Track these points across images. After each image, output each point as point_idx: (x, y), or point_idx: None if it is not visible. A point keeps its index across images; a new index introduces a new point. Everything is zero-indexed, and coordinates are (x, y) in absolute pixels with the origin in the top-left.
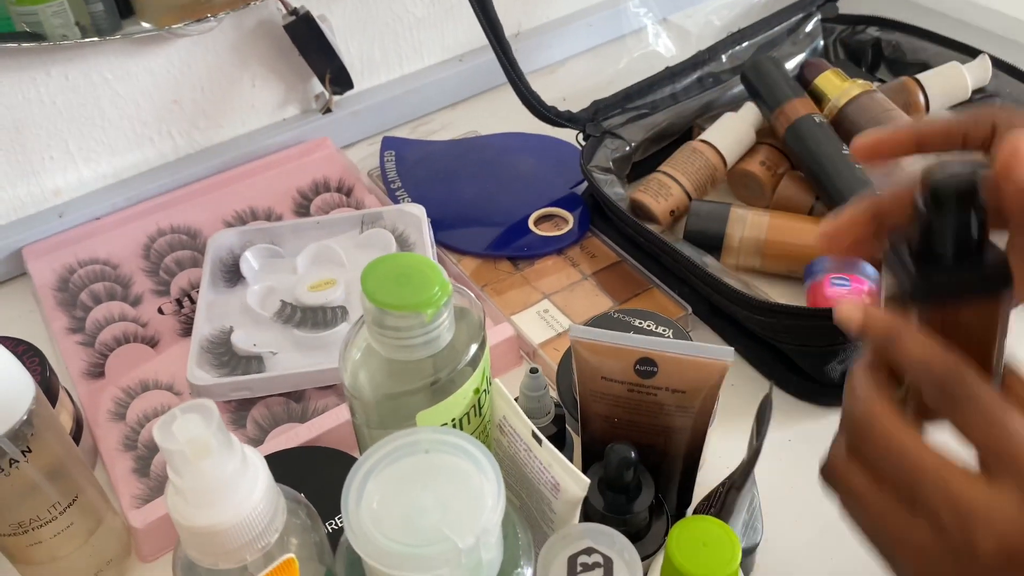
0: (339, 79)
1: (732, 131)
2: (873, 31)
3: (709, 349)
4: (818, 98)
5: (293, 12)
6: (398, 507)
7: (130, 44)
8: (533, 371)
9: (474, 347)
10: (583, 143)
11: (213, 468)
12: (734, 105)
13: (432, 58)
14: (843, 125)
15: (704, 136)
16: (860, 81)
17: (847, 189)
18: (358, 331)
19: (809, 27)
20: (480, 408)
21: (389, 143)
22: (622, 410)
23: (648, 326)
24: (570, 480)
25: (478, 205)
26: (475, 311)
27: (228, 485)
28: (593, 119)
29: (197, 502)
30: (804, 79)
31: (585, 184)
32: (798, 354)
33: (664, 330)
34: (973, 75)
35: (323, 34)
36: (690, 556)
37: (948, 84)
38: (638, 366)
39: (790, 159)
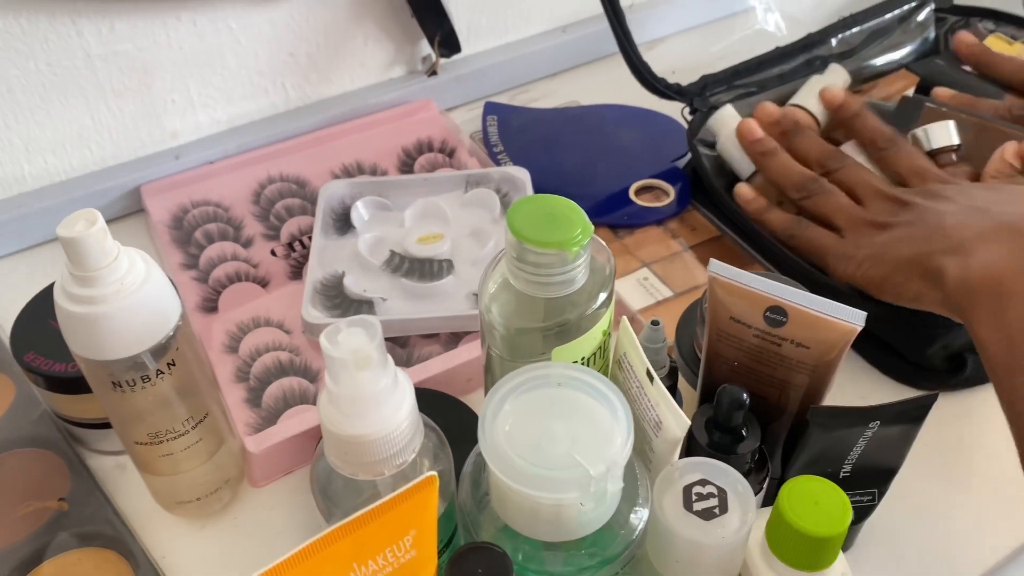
0: (448, 42)
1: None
2: (987, 24)
3: (841, 309)
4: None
5: None
6: (530, 432)
7: None
8: (654, 323)
9: (603, 294)
10: (690, 117)
11: (369, 380)
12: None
13: (537, 27)
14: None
15: (795, 100)
16: None
17: None
18: (495, 267)
19: (921, 16)
20: (604, 350)
21: (492, 108)
22: (745, 355)
23: None
24: (672, 419)
25: (579, 173)
26: (606, 260)
27: (379, 399)
28: (701, 94)
29: (349, 411)
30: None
31: (687, 158)
32: (900, 337)
33: (798, 290)
34: None
35: None
36: (801, 512)
37: None
38: (768, 313)
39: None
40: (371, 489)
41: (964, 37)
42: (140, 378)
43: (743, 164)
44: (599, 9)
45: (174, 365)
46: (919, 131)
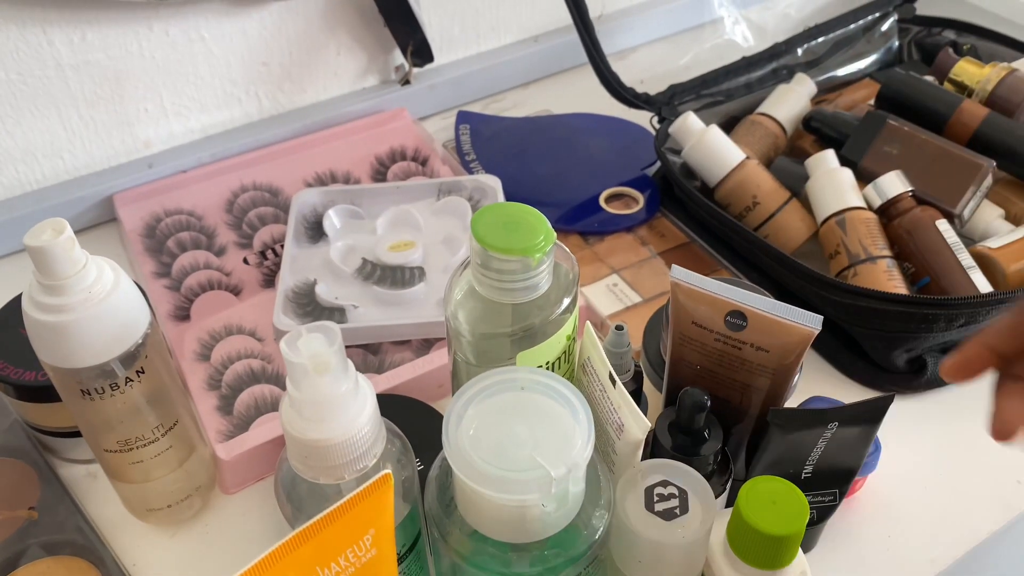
0: (420, 52)
1: (789, 101)
2: (949, 34)
3: (799, 313)
4: (961, 87)
5: None
6: (494, 435)
7: (229, 5)
8: (619, 328)
9: (567, 299)
10: (658, 126)
11: (329, 385)
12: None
13: (508, 37)
14: (997, 106)
15: (762, 109)
16: (996, 64)
17: None
18: (461, 273)
19: (885, 27)
20: (569, 354)
21: (464, 117)
22: (707, 359)
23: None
24: (633, 422)
25: (550, 181)
26: (570, 266)
27: (339, 404)
28: (669, 103)
29: (310, 415)
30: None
31: (656, 166)
32: (868, 339)
33: (757, 295)
34: None
35: (410, 6)
36: (759, 512)
37: None
38: (729, 318)
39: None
40: (335, 493)
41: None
42: (109, 386)
43: (710, 171)
44: (570, 20)
45: (143, 373)
46: (868, 189)
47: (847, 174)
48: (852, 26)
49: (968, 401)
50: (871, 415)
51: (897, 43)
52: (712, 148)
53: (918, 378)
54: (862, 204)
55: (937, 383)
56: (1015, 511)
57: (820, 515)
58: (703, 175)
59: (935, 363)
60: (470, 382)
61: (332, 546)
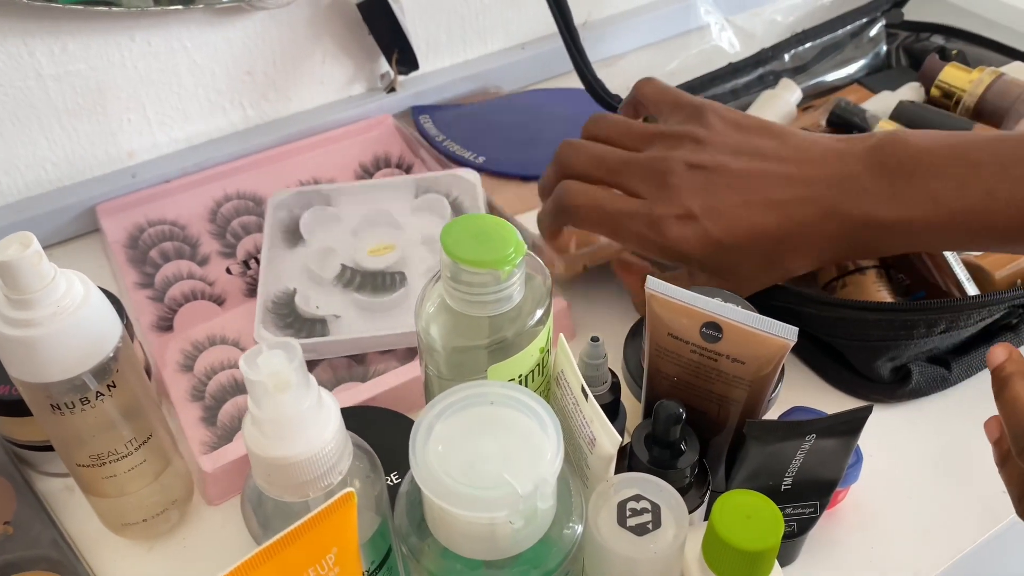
0: (406, 60)
1: (773, 107)
2: (937, 39)
3: (774, 325)
4: (948, 93)
5: None
6: (462, 451)
7: (211, 14)
8: (594, 340)
9: (540, 311)
10: None
11: (290, 403)
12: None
13: (495, 45)
14: (986, 111)
15: (749, 112)
16: (984, 69)
17: None
18: (433, 285)
19: (873, 32)
20: (543, 367)
21: (420, 110)
22: (684, 371)
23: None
24: (605, 437)
25: (529, 149)
26: (543, 277)
27: (302, 421)
28: None
29: (271, 434)
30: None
31: None
32: (850, 349)
33: (733, 306)
34: None
35: (394, 14)
36: (733, 527)
37: None
38: (704, 329)
39: None
40: (303, 510)
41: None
42: (80, 400)
43: None
44: (556, 27)
45: (115, 387)
46: None
47: None
48: (840, 31)
49: (953, 411)
50: (850, 427)
51: (885, 48)
52: None
53: (903, 387)
54: None
55: (922, 392)
56: (1000, 521)
57: (801, 527)
58: None
59: (920, 372)
60: (438, 396)
61: (294, 566)
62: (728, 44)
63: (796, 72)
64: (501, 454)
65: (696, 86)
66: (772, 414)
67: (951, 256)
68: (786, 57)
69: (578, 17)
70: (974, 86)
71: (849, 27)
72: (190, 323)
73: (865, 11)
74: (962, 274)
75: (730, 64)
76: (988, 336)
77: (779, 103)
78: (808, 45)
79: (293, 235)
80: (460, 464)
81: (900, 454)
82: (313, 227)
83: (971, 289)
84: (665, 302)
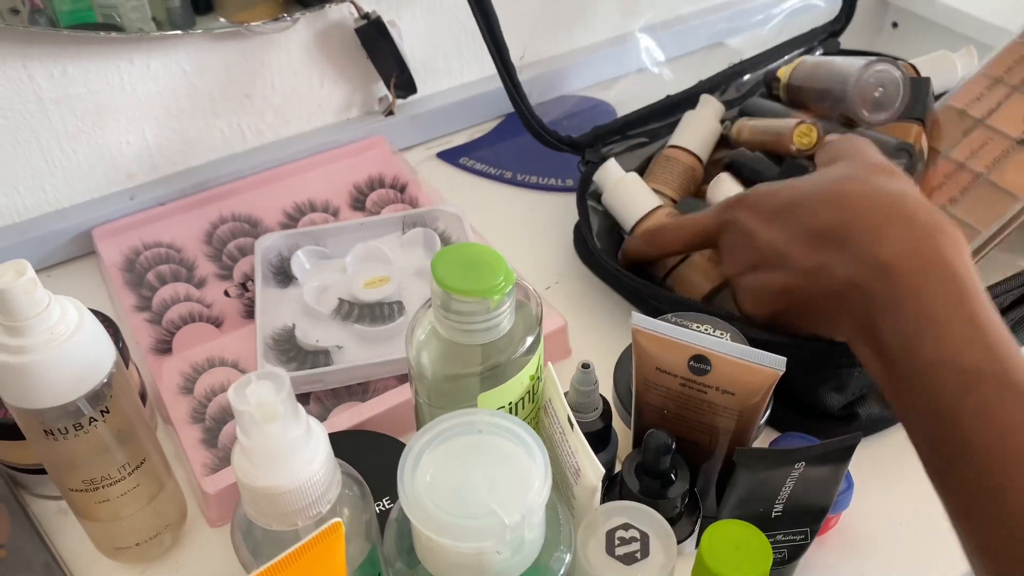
0: (404, 83)
1: (698, 128)
2: None
3: (762, 356)
4: (775, 97)
5: (365, 16)
6: (450, 481)
7: (210, 39)
8: (585, 366)
9: (530, 338)
10: (582, 169)
11: (278, 433)
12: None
13: (490, 68)
14: (800, 94)
15: (673, 141)
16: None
17: None
18: (424, 312)
19: None
20: (534, 394)
21: (453, 155)
22: (673, 403)
23: (705, 330)
24: (589, 468)
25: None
26: (533, 304)
27: (290, 451)
28: (593, 145)
29: (260, 463)
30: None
31: None
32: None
33: (721, 334)
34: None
35: (392, 39)
36: (722, 557)
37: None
38: (692, 362)
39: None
40: (293, 538)
41: None
42: (73, 426)
43: (624, 219)
44: (552, 52)
45: (108, 412)
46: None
47: None
48: (778, 62)
49: None
50: (839, 455)
51: None
52: (625, 196)
53: (849, 424)
54: None
55: (873, 429)
56: None
57: (792, 554)
58: (620, 223)
59: (866, 413)
60: (427, 425)
61: None
62: (667, 77)
63: (734, 104)
64: (489, 483)
65: (633, 121)
66: (762, 441)
67: None
68: (724, 88)
69: (515, 52)
70: (787, 78)
71: (786, 57)
72: (188, 345)
73: (802, 41)
74: None
75: (667, 96)
76: None
77: (700, 121)
78: (747, 77)
79: (284, 276)
80: (448, 493)
81: (892, 480)
82: (306, 267)
83: None
84: (652, 336)
